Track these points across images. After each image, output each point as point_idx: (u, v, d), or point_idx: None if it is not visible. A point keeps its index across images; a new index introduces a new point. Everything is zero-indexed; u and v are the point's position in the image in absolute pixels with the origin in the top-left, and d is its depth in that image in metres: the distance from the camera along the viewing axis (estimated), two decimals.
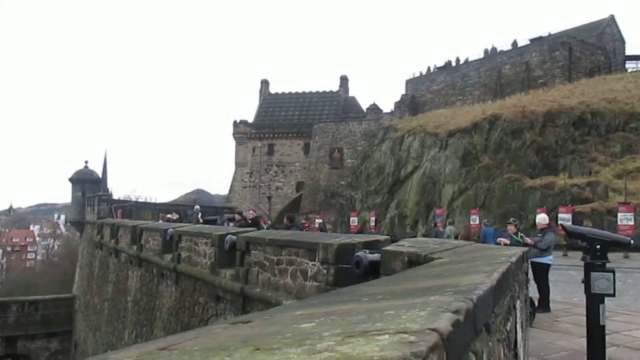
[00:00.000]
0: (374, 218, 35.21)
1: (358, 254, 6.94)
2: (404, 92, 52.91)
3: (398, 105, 50.37)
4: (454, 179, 34.44)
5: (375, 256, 6.60)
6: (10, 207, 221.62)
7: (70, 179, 33.40)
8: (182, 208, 31.83)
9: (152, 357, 1.28)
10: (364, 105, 54.44)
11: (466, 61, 50.22)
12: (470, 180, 33.37)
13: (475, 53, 74.68)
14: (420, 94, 51.66)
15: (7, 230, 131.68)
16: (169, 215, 23.20)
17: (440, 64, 52.63)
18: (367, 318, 1.40)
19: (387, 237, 8.87)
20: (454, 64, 51.33)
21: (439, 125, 38.02)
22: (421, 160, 37.68)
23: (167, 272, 15.89)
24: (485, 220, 22.63)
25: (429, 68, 53.52)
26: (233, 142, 54.58)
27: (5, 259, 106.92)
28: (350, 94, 58.81)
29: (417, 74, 54.10)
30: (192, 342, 1.47)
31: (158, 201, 40.74)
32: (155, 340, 1.66)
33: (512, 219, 11.96)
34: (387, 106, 61.78)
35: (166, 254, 16.07)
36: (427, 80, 52.30)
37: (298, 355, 1.01)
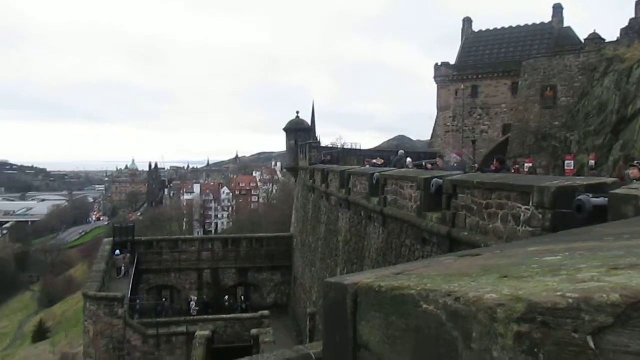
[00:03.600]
0: (593, 161, 31.67)
1: (580, 197, 6.33)
2: (634, 16, 45.57)
3: (625, 32, 43.65)
4: None
5: (601, 200, 5.95)
6: (237, 156, 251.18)
7: (285, 129, 36.23)
8: (385, 154, 32.47)
9: (390, 280, 1.31)
10: (582, 35, 48.37)
11: None
12: None
13: None
14: None
15: (235, 177, 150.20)
16: (374, 161, 23.84)
17: None
18: (626, 253, 1.23)
19: (615, 179, 7.92)
20: None
21: None
22: None
23: (374, 214, 16.49)
24: None
25: None
26: (434, 86, 53.40)
27: (234, 202, 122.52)
28: (566, 24, 52.70)
29: None
30: (426, 269, 1.47)
31: (363, 147, 42.12)
32: (387, 267, 1.71)
33: None
34: (610, 35, 54.19)
35: (373, 197, 16.63)
36: None
37: (558, 283, 0.92)
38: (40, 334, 70.51)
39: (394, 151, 29.82)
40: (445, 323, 1.00)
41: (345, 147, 39.57)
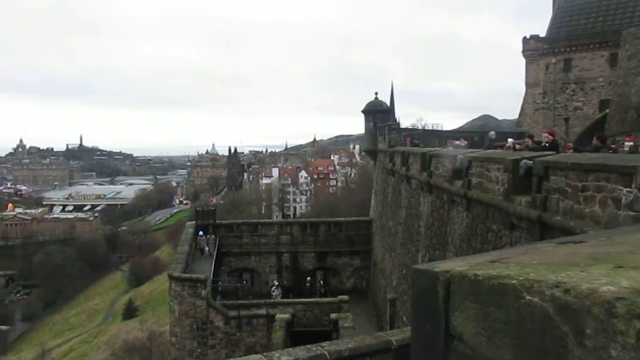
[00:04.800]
0: None
1: None
2: None
3: None
4: None
5: None
6: (314, 140, 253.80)
7: (363, 111, 36.05)
8: (469, 135, 31.56)
9: (487, 268, 1.25)
10: None
11: None
12: None
13: None
14: None
15: (312, 160, 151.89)
16: (457, 142, 23.25)
17: None
18: None
19: None
20: None
21: None
22: None
23: (458, 198, 16.09)
24: None
25: None
26: (522, 61, 51.03)
27: (312, 185, 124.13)
28: None
29: None
30: (523, 257, 1.39)
31: (444, 128, 41.18)
32: (480, 254, 1.63)
33: None
34: None
35: (456, 180, 16.22)
36: None
37: None
38: (130, 312, 75.34)
39: (478, 132, 28.91)
40: (553, 317, 0.93)
41: (426, 128, 38.86)
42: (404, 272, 23.58)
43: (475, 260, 1.42)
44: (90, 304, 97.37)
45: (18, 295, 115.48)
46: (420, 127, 41.43)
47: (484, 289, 1.15)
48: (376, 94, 36.03)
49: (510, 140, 20.14)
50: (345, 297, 24.43)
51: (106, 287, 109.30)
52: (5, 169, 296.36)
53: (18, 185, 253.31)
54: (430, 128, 39.26)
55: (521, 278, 1.06)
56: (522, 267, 1.19)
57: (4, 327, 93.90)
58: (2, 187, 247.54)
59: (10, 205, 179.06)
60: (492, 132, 23.43)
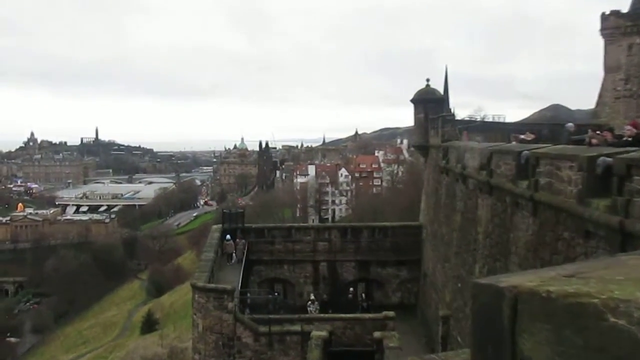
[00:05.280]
0: None
1: None
2: None
3: None
4: None
5: None
6: (356, 133, 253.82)
7: (412, 100, 35.78)
8: (536, 127, 30.96)
9: (561, 284, 1.21)
10: None
11: None
12: None
13: None
14: None
15: (354, 157, 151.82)
16: (522, 136, 22.78)
17: None
18: None
19: None
20: None
21: None
22: None
23: (522, 201, 15.83)
24: None
25: None
26: (600, 42, 49.70)
27: (354, 185, 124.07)
28: None
29: None
30: (606, 272, 1.35)
31: (507, 120, 40.56)
32: (552, 267, 1.59)
33: None
34: None
35: (520, 180, 15.95)
36: None
37: None
38: (149, 325, 76.98)
39: (548, 124, 28.33)
40: None
41: (486, 119, 38.36)
42: (459, 285, 23.33)
43: (547, 274, 1.39)
44: (106, 316, 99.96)
45: (28, 304, 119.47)
46: (479, 119, 40.92)
47: (558, 309, 1.12)
48: (427, 80, 35.71)
49: (590, 132, 19.55)
50: (391, 313, 24.30)
51: (123, 297, 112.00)
52: (15, 165, 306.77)
53: (29, 183, 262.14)
54: (491, 119, 38.73)
55: (604, 297, 1.03)
56: (605, 283, 1.15)
57: (12, 340, 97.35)
58: (11, 185, 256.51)
59: (20, 205, 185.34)
60: (570, 124, 22.85)
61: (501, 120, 38.41)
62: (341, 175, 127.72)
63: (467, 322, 20.48)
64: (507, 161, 17.57)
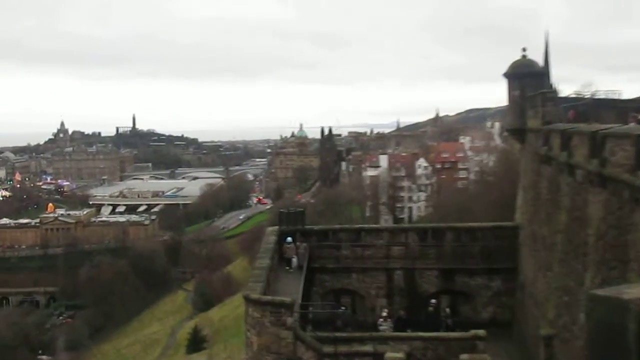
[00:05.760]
0: None
1: None
2: None
3: None
4: None
5: None
6: (436, 116, 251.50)
7: (505, 75, 35.11)
8: None
9: None
10: None
11: None
12: None
13: None
14: None
15: (435, 144, 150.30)
16: None
17: None
18: None
19: None
20: None
21: None
22: None
23: None
24: None
25: None
26: None
27: (435, 178, 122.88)
28: None
29: None
30: None
31: (624, 97, 39.26)
32: None
33: None
34: None
35: None
36: None
37: None
38: (196, 343, 78.70)
39: None
40: None
41: (597, 96, 37.27)
42: (565, 299, 22.85)
43: None
44: (147, 332, 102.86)
45: (60, 318, 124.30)
46: (588, 96, 39.77)
47: None
48: (524, 50, 35.03)
49: None
50: (481, 331, 24.03)
51: (166, 311, 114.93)
52: (45, 161, 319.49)
53: (59, 181, 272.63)
54: (603, 97, 37.58)
55: None
56: None
57: (44, 357, 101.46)
58: (40, 183, 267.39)
59: (50, 205, 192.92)
60: None
61: (616, 97, 37.19)
62: (419, 166, 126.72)
63: (577, 343, 20.08)
64: (625, 147, 17.10)
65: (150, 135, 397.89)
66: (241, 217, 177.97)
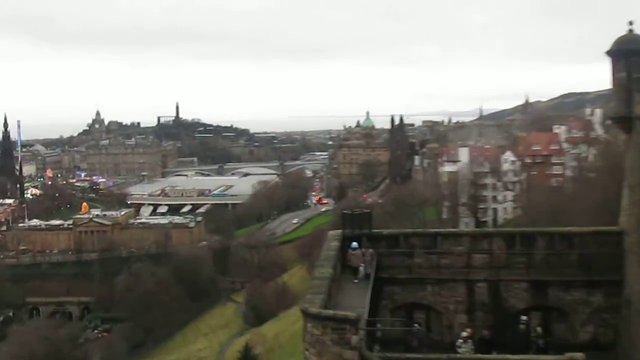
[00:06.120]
0: None
1: None
2: None
3: None
4: None
5: None
6: (526, 102, 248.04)
7: (608, 52, 34.27)
8: None
9: None
10: None
11: None
12: None
13: None
14: None
15: (524, 135, 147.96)
16: None
17: None
18: None
19: None
20: None
21: None
22: None
23: None
24: None
25: None
26: None
27: (524, 175, 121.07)
28: None
29: None
30: None
31: None
32: None
33: None
34: None
35: None
36: None
37: None
38: None
39: None
40: None
41: None
42: None
43: None
44: (192, 349, 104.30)
45: (96, 331, 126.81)
46: None
47: None
48: (631, 23, 34.22)
49: None
50: (579, 354, 23.65)
51: (213, 326, 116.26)
52: (79, 155, 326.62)
53: (94, 177, 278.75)
54: None
55: None
56: None
57: None
58: (74, 180, 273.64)
59: (84, 205, 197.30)
60: None
61: None
62: (506, 161, 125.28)
63: None
64: None
65: (195, 125, 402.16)
66: (296, 221, 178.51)
